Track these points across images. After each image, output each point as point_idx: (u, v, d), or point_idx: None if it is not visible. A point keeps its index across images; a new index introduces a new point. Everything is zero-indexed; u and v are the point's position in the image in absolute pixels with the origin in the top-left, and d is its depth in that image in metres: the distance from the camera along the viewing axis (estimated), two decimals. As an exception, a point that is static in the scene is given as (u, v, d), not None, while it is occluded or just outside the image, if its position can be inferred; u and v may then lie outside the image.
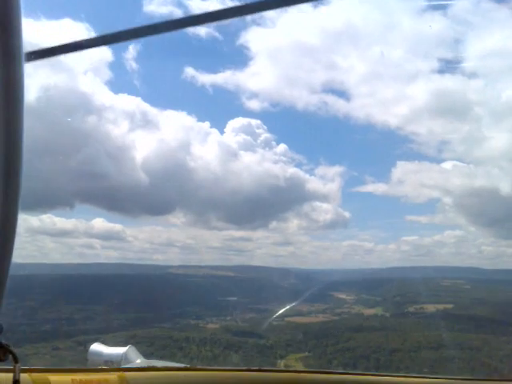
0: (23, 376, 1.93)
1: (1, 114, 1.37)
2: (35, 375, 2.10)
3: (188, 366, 2.95)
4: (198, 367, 2.91)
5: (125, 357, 3.58)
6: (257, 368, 2.81)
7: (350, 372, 3.28)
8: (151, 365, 3.43)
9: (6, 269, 1.56)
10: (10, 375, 1.56)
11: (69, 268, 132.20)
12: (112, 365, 3.44)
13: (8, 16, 1.36)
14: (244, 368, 2.82)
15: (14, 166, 1.46)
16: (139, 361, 3.69)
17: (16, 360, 1.53)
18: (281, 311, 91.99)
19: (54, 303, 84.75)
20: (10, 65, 1.38)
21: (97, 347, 3.73)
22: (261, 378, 2.83)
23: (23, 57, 1.42)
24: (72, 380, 2.25)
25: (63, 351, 59.91)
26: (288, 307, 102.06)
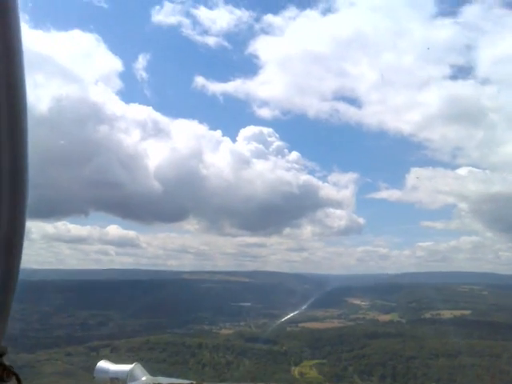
0: None
1: (5, 121, 1.35)
2: None
3: (194, 382, 2.91)
4: (204, 383, 3.01)
5: (130, 374, 3.42)
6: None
7: None
8: (157, 382, 3.40)
9: (15, 274, 1.53)
10: None
11: (84, 274, 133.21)
12: (118, 382, 3.37)
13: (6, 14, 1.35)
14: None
15: (20, 173, 1.44)
16: (145, 378, 3.51)
17: (19, 381, 1.54)
18: (292, 314, 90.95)
19: (68, 308, 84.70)
20: (10, 65, 1.37)
21: (103, 365, 3.54)
22: None
23: (23, 55, 1.39)
24: None
25: (75, 357, 59.18)
26: (301, 312, 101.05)
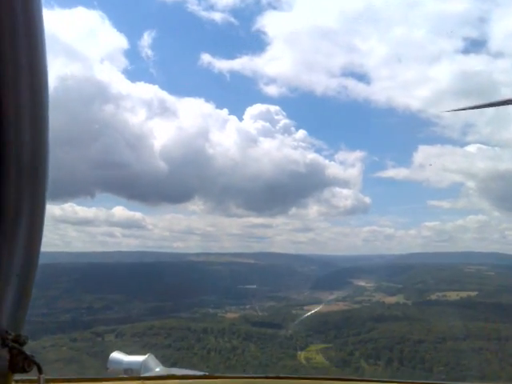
0: None
1: (27, 108, 1.38)
2: None
3: (206, 373, 2.91)
4: (216, 375, 2.88)
5: (144, 365, 3.31)
6: (274, 375, 2.82)
7: (370, 379, 3.14)
8: (170, 373, 3.21)
9: (35, 261, 1.58)
10: None
11: (91, 256, 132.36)
12: (132, 373, 3.25)
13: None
14: (262, 375, 2.82)
15: (40, 158, 1.48)
16: (158, 369, 3.36)
17: (40, 371, 1.55)
18: (300, 299, 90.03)
19: (74, 292, 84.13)
20: (33, 53, 1.39)
21: (117, 355, 3.42)
22: None
23: (45, 45, 1.43)
24: None
25: (81, 343, 58.42)
26: (307, 294, 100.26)
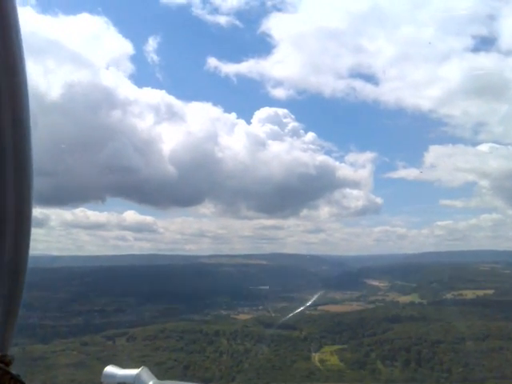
0: None
1: (6, 107, 1.35)
2: None
3: None
4: None
5: (137, 378, 3.20)
6: None
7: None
8: None
9: (24, 261, 1.52)
10: None
11: (103, 260, 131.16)
12: None
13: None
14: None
15: (23, 157, 1.43)
16: (151, 382, 3.24)
17: None
18: (311, 300, 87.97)
19: (87, 295, 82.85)
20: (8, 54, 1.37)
21: (110, 369, 3.27)
22: None
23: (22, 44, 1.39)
24: None
25: (91, 347, 56.98)
26: (320, 295, 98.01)
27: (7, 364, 1.49)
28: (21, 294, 1.52)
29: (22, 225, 1.45)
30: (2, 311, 1.47)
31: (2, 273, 1.42)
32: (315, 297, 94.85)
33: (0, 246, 1.39)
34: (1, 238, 1.38)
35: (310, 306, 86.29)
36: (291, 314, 78.32)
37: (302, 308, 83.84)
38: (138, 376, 3.20)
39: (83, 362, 52.10)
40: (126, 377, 3.19)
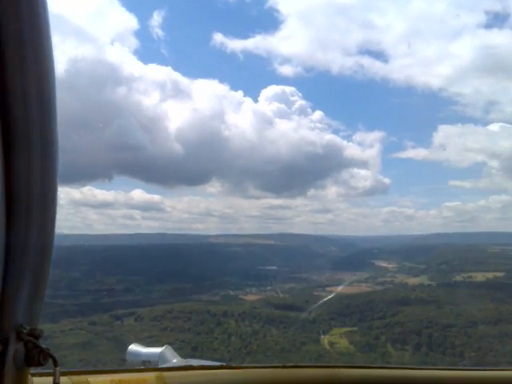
0: (64, 379, 2.01)
1: (33, 89, 1.38)
2: (75, 377, 2.17)
3: (224, 364, 2.83)
4: (234, 365, 2.77)
5: (162, 356, 3.35)
6: (293, 364, 2.73)
7: (393, 366, 3.00)
8: (187, 364, 3.06)
9: (48, 255, 1.55)
10: (50, 379, 1.58)
11: (112, 239, 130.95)
12: (149, 365, 3.25)
13: None
14: (279, 365, 2.74)
15: (49, 137, 1.45)
16: (175, 360, 3.36)
17: (56, 363, 1.56)
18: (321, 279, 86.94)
19: (96, 274, 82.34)
20: (38, 38, 1.36)
21: (135, 348, 3.48)
22: (297, 375, 2.72)
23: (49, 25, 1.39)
24: (111, 381, 2.30)
25: (99, 326, 56.28)
26: (328, 275, 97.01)
27: (37, 337, 1.50)
28: (48, 269, 1.53)
29: (48, 203, 1.45)
30: (31, 285, 1.48)
31: (30, 248, 1.44)
32: (323, 278, 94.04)
33: (28, 224, 1.41)
34: (29, 215, 1.41)
35: (318, 286, 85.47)
36: (299, 295, 77.58)
37: (310, 289, 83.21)
38: (162, 354, 3.30)
39: (91, 341, 51.45)
40: (150, 355, 3.29)
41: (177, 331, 53.34)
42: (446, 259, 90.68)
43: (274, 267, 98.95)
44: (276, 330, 57.58)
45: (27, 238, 1.43)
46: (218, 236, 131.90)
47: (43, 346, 1.49)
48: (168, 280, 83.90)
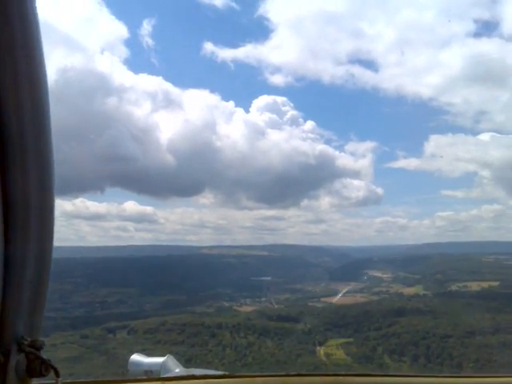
0: None
1: (27, 101, 1.37)
2: None
3: (226, 373, 2.87)
4: (237, 374, 2.81)
5: (164, 366, 3.31)
6: (296, 373, 2.75)
7: (394, 374, 3.00)
8: (190, 373, 3.07)
9: (47, 266, 1.57)
10: None
11: (105, 251, 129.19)
12: (152, 374, 3.21)
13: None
14: (282, 373, 2.74)
15: (45, 148, 1.45)
16: (178, 370, 3.34)
17: (57, 374, 1.58)
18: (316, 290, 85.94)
19: (89, 286, 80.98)
20: (29, 47, 1.37)
21: (137, 358, 3.46)
22: (299, 383, 2.75)
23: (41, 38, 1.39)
24: None
25: (91, 340, 54.77)
26: (323, 286, 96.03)
27: (38, 349, 1.49)
28: (47, 280, 1.52)
29: (45, 214, 1.45)
30: (31, 296, 1.47)
31: (28, 259, 1.44)
32: (318, 288, 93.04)
33: (26, 235, 1.41)
34: (26, 227, 1.40)
35: (313, 297, 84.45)
36: (294, 306, 76.42)
37: (305, 299, 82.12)
38: (164, 363, 3.25)
39: (82, 355, 49.99)
40: (152, 364, 3.24)
41: (170, 344, 51.98)
42: (440, 269, 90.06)
43: (269, 278, 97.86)
44: (271, 341, 56.31)
45: (26, 250, 1.42)
46: (211, 247, 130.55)
47: (44, 357, 1.47)
48: (161, 292, 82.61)
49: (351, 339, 57.58)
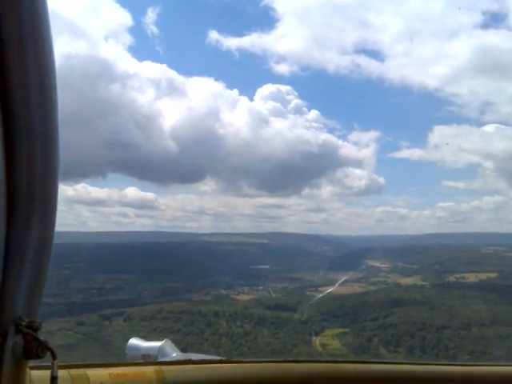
0: (62, 372, 1.99)
1: (34, 90, 1.40)
2: (73, 371, 2.15)
3: (224, 358, 2.85)
4: (234, 359, 2.80)
5: (161, 350, 3.28)
6: (293, 359, 2.79)
7: (389, 361, 3.04)
8: (187, 358, 2.99)
9: (48, 247, 1.59)
10: (49, 372, 1.62)
11: (105, 236, 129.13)
12: (149, 358, 3.17)
13: None
14: (280, 359, 2.79)
15: (50, 136, 1.48)
16: (175, 354, 3.31)
17: (54, 356, 1.60)
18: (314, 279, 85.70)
19: (87, 272, 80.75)
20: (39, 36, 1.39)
21: (135, 342, 3.43)
22: (297, 369, 2.76)
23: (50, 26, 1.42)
24: (109, 374, 2.30)
25: (87, 327, 54.69)
26: (321, 275, 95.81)
27: (35, 330, 1.51)
28: (48, 263, 1.54)
29: (49, 198, 1.49)
30: (30, 278, 1.50)
31: (30, 242, 1.46)
32: (316, 277, 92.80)
33: (28, 217, 1.44)
34: (30, 210, 1.44)
35: (311, 286, 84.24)
36: (292, 295, 76.28)
37: (302, 288, 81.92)
38: (161, 348, 3.23)
39: (78, 343, 49.87)
40: (149, 348, 3.21)
41: (166, 332, 51.77)
42: (439, 259, 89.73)
43: (267, 266, 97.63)
44: (267, 331, 56.18)
45: (27, 231, 1.45)
46: (211, 234, 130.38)
47: (42, 338, 1.50)
48: (159, 279, 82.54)
49: (347, 329, 57.43)
